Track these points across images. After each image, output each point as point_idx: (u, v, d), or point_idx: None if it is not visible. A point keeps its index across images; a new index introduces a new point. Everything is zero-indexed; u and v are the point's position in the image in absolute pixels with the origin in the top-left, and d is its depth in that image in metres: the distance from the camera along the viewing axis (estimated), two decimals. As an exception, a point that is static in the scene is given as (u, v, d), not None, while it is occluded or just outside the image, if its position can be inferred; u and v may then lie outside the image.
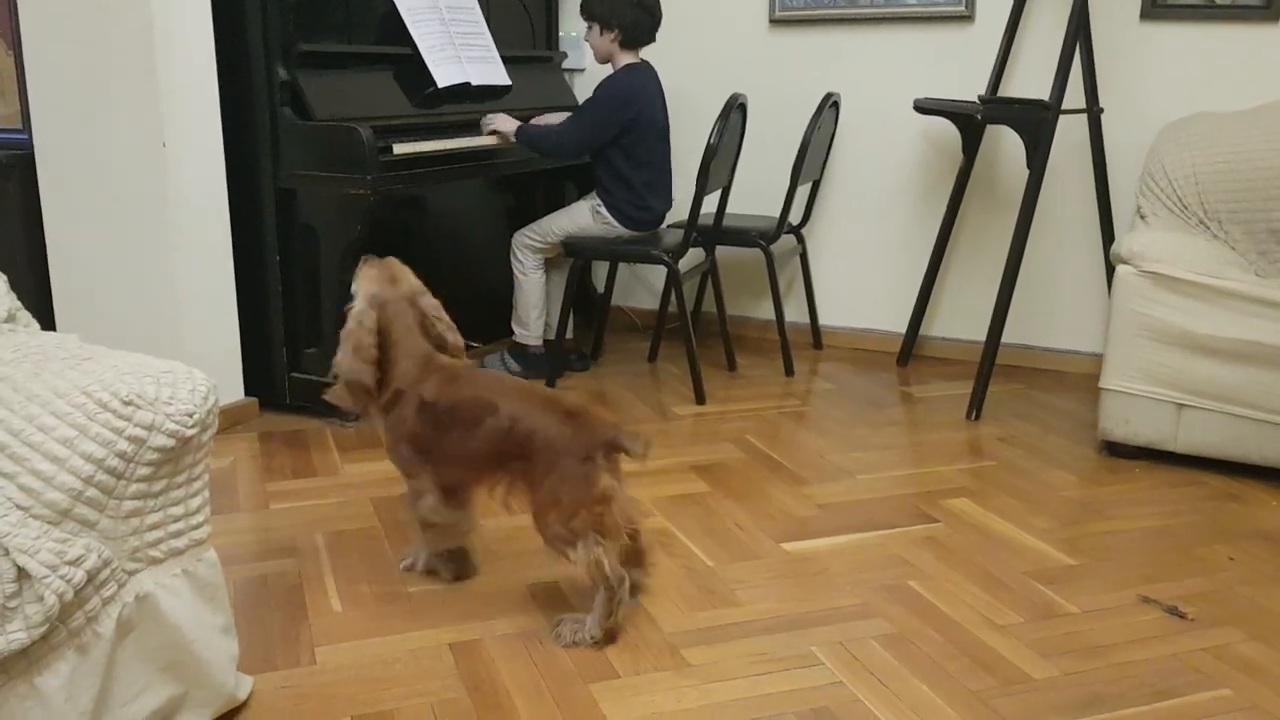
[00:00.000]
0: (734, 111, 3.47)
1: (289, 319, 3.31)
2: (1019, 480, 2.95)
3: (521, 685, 1.95)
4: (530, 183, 4.22)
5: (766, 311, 4.25)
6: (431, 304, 2.34)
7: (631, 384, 3.76)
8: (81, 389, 1.62)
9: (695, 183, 3.41)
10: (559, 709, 1.88)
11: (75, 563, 1.55)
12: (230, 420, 3.26)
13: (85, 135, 3.09)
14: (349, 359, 2.17)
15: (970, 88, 3.86)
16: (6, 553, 1.48)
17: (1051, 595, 2.31)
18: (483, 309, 4.01)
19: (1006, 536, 2.60)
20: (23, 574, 1.49)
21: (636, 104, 3.52)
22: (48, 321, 3.27)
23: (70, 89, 3.07)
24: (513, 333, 3.79)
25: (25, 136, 3.25)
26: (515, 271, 3.73)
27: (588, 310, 4.39)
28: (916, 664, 2.03)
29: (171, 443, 1.64)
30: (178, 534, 1.73)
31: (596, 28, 3.57)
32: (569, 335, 3.89)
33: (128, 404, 1.61)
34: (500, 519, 2.64)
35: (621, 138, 3.51)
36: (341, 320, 2.30)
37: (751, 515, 2.69)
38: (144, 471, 1.63)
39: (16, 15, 3.12)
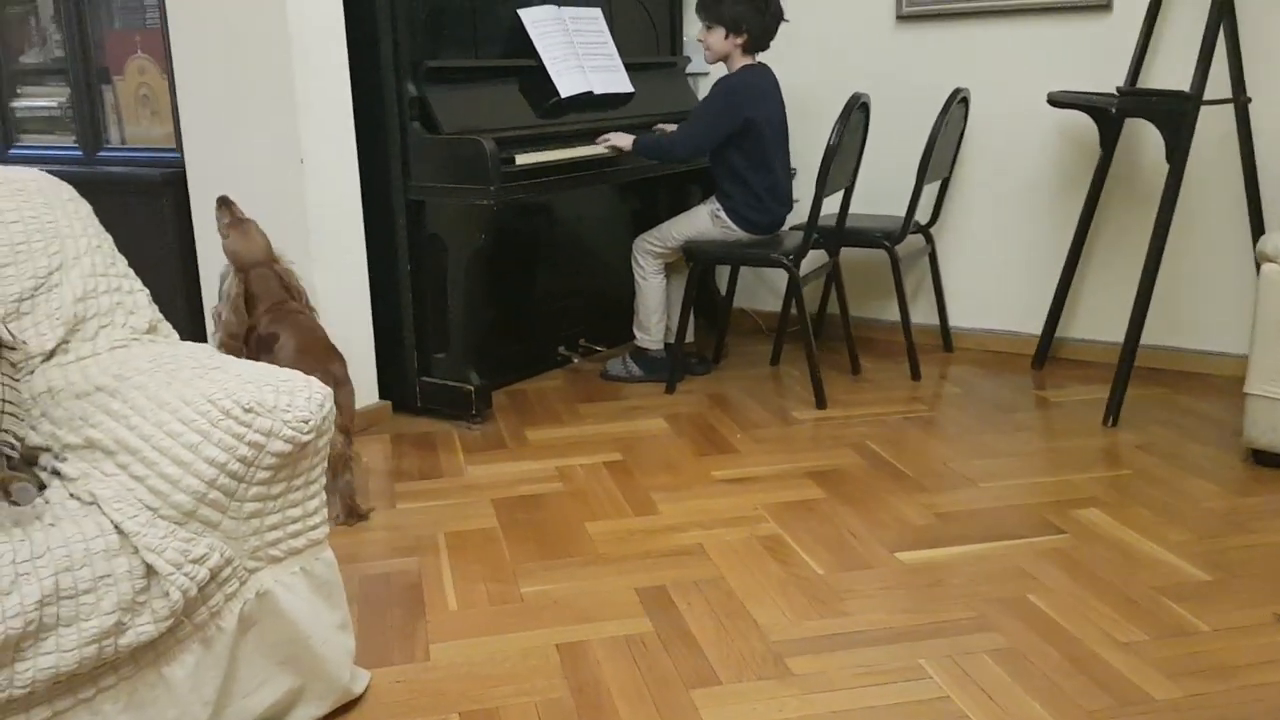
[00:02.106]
0: (855, 111, 3.43)
1: (419, 326, 3.43)
2: (1156, 490, 2.83)
3: (624, 688, 1.98)
4: (652, 188, 4.25)
5: (894, 313, 4.17)
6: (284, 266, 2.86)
7: (752, 388, 3.75)
8: (207, 397, 1.73)
9: (815, 184, 3.38)
10: (659, 713, 1.91)
11: (199, 561, 1.65)
12: (365, 423, 3.39)
13: (230, 153, 3.27)
14: (228, 314, 2.77)
15: (1107, 80, 3.71)
16: (136, 551, 1.59)
17: (1181, 612, 2.21)
18: (606, 313, 4.06)
19: (1138, 549, 2.50)
20: (150, 571, 1.60)
21: (753, 104, 3.51)
22: (198, 329, 3.48)
23: (215, 109, 3.26)
24: (634, 337, 3.83)
25: (179, 155, 3.45)
26: (636, 276, 3.77)
27: (711, 314, 4.39)
28: (1029, 680, 1.98)
29: (289, 448, 1.73)
30: (296, 534, 1.82)
31: (721, 30, 3.56)
32: (690, 339, 3.90)
33: (248, 411, 1.71)
34: (612, 522, 2.68)
35: (739, 139, 3.51)
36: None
37: (866, 523, 2.66)
38: (263, 475, 1.72)
39: (169, 41, 3.32)
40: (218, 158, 3.31)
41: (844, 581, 2.37)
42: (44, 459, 1.74)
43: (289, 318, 2.69)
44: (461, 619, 2.25)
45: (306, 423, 1.75)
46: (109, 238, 2.19)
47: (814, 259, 3.81)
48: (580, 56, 3.77)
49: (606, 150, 3.60)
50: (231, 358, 1.96)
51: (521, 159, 3.31)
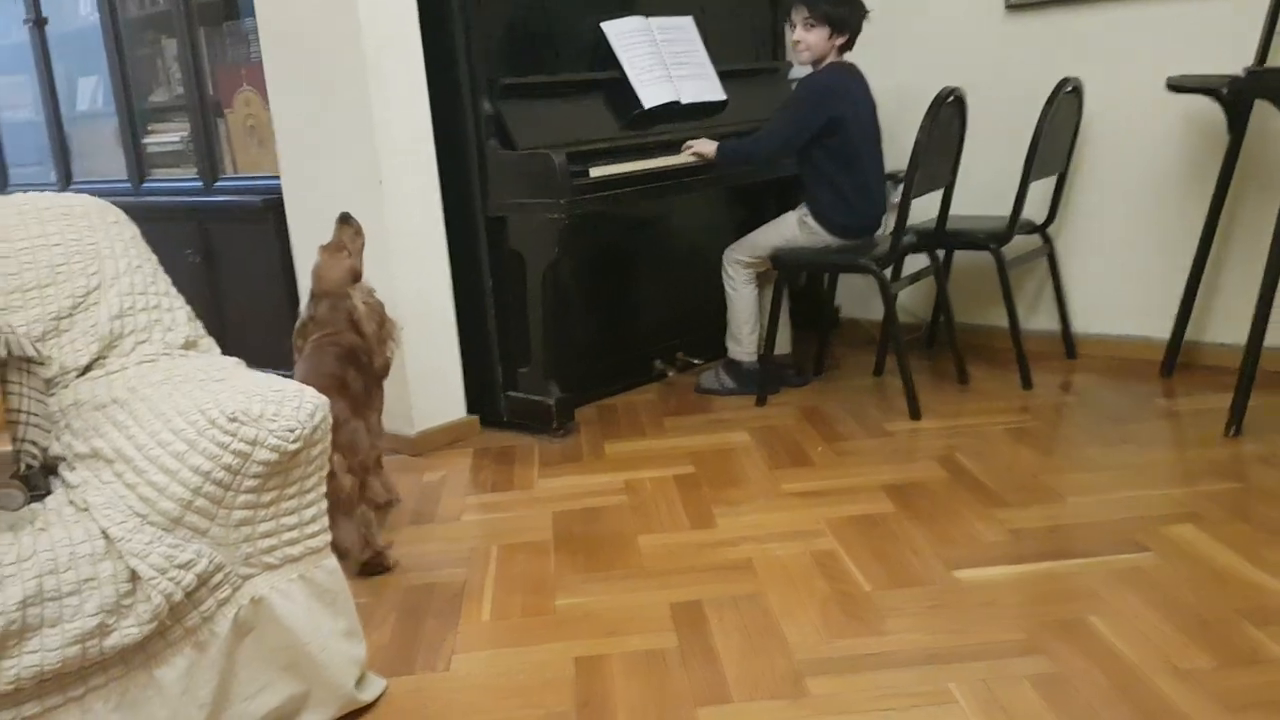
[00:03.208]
0: (944, 106, 3.27)
1: (503, 341, 3.47)
2: (1266, 507, 2.56)
3: (631, 705, 1.92)
4: (742, 197, 4.17)
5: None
6: (362, 299, 2.69)
7: (849, 399, 3.61)
8: (198, 407, 1.78)
9: (903, 185, 3.24)
10: (659, 732, 1.84)
11: (185, 566, 1.69)
12: (452, 437, 3.45)
13: (317, 177, 3.39)
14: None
15: (1233, 61, 3.41)
16: (120, 556, 1.65)
17: (1261, 638, 1.98)
18: (703, 325, 4.00)
19: (1228, 569, 2.26)
20: (135, 575, 1.65)
21: (839, 102, 3.39)
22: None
23: (305, 135, 3.39)
24: (727, 349, 3.76)
25: (279, 182, 3.61)
26: (726, 288, 3.70)
27: (821, 323, 4.26)
28: (1066, 709, 1.81)
29: (274, 457, 1.76)
30: (292, 542, 1.85)
31: (825, 29, 3.45)
32: (787, 350, 3.80)
33: (233, 420, 1.75)
34: (665, 535, 2.62)
35: (826, 138, 3.39)
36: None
37: (931, 539, 2.51)
38: (251, 483, 1.76)
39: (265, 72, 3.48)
40: (308, 183, 3.44)
41: (889, 599, 2.24)
42: (61, 467, 1.84)
43: (317, 351, 2.60)
44: (490, 630, 2.24)
45: (292, 432, 1.78)
46: (153, 259, 2.29)
47: (915, 264, 3.66)
48: (668, 66, 3.74)
49: (690, 159, 3.55)
50: (243, 371, 2.01)
51: (596, 172, 3.30)
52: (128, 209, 4.18)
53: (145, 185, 4.26)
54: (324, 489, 1.91)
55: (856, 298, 4.43)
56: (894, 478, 2.89)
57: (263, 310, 3.81)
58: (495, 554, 2.61)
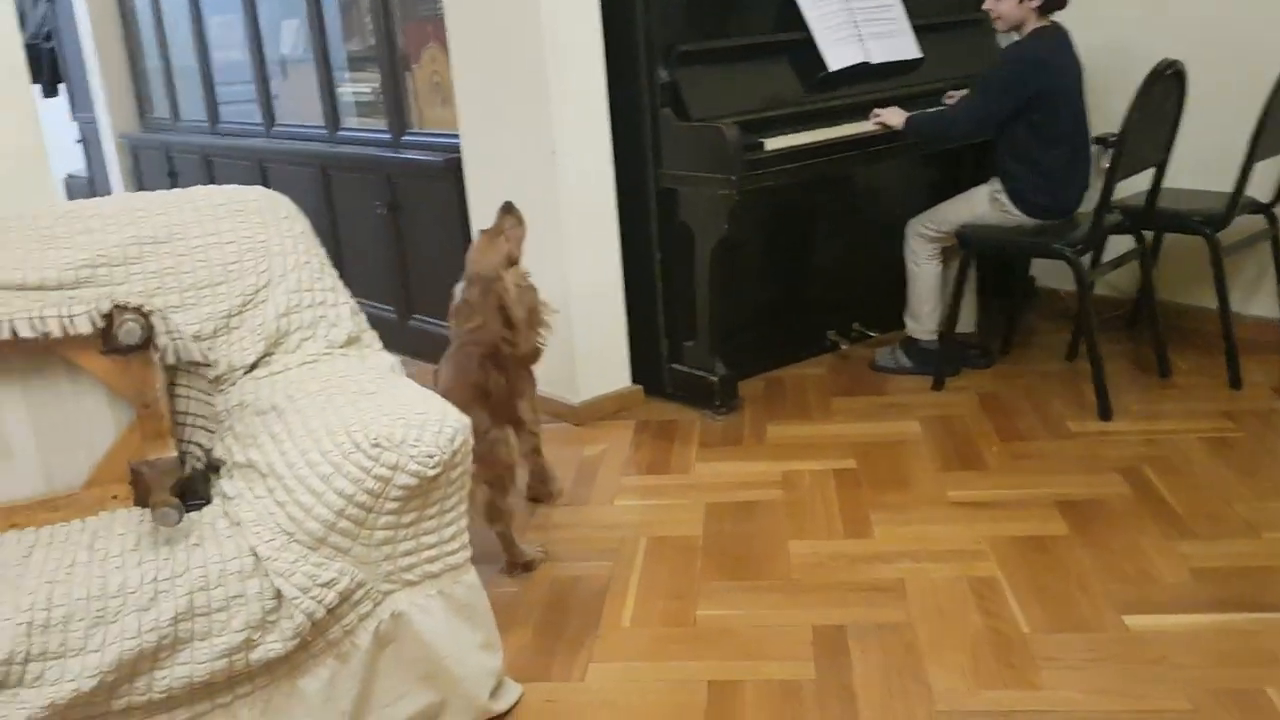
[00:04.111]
0: (1160, 81, 2.97)
1: (669, 313, 3.42)
2: None
3: (759, 743, 1.90)
4: (936, 159, 3.93)
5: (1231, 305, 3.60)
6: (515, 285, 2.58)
7: (1034, 387, 3.40)
8: (345, 428, 1.82)
9: (1108, 167, 2.98)
10: (784, 779, 1.80)
11: (328, 585, 1.75)
12: (616, 406, 3.45)
13: (493, 141, 3.40)
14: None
15: None
16: (267, 575, 1.72)
17: None
18: (885, 296, 3.83)
19: None
20: (280, 594, 1.72)
21: (1046, 74, 3.13)
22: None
23: (483, 97, 3.40)
24: (906, 326, 3.60)
25: (458, 141, 3.64)
26: (908, 262, 3.52)
27: (1012, 295, 4.01)
28: (1229, 806, 1.67)
29: (414, 482, 1.79)
30: (432, 559, 1.88)
31: None
32: (972, 329, 3.60)
33: (375, 446, 1.78)
34: (818, 543, 2.55)
35: (1028, 113, 3.14)
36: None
37: (1102, 573, 2.34)
38: (392, 506, 1.79)
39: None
40: (485, 147, 3.46)
41: (1049, 645, 2.11)
42: (222, 472, 1.92)
43: (460, 354, 2.54)
44: (630, 638, 2.25)
45: (431, 458, 1.79)
46: (321, 253, 2.34)
47: (1120, 245, 3.38)
48: (858, 24, 3.54)
49: (876, 127, 3.36)
50: (394, 381, 2.04)
51: (772, 144, 3.17)
52: (322, 157, 4.34)
53: (339, 133, 4.38)
54: (465, 509, 1.93)
55: (1055, 266, 4.14)
56: (1071, 491, 2.71)
57: (441, 266, 3.88)
58: (643, 547, 2.60)
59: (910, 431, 3.14)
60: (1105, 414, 3.14)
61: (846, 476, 2.89)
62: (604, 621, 2.31)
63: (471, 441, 1.90)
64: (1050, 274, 4.17)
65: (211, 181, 5.18)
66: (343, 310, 2.30)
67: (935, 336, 3.52)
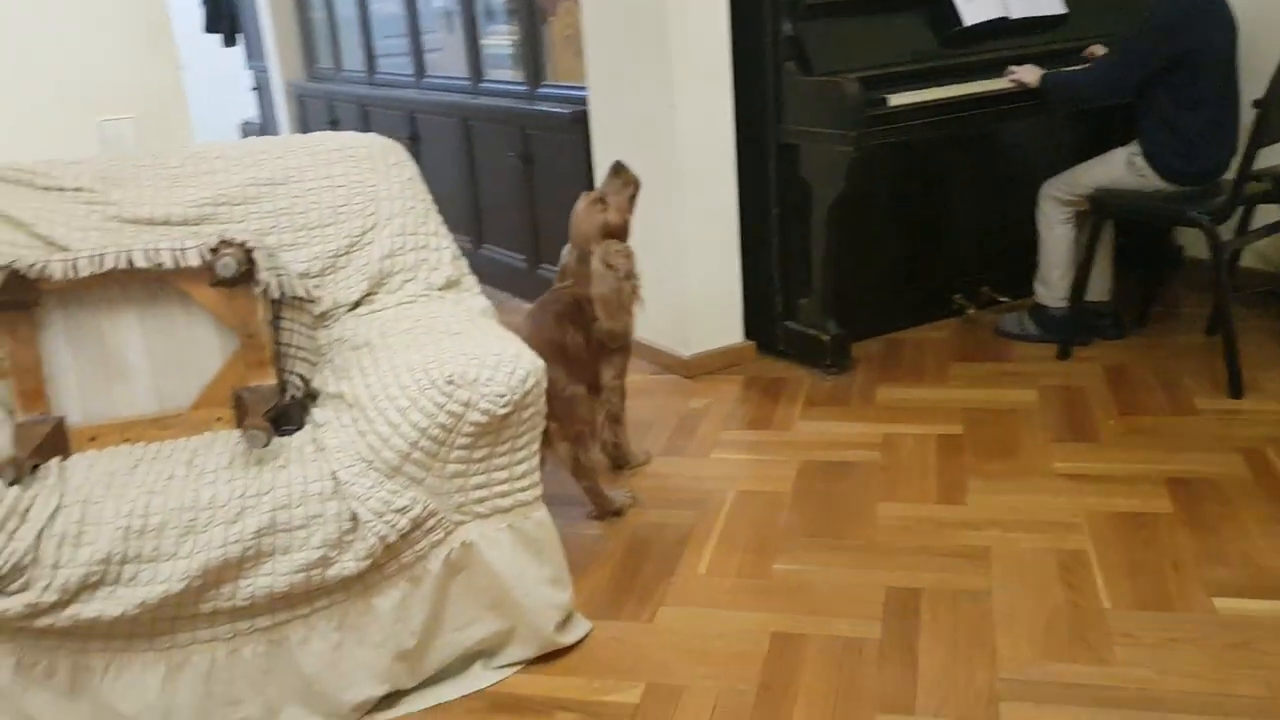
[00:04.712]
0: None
1: (784, 270, 3.41)
2: None
3: (811, 695, 1.91)
4: (1076, 120, 3.76)
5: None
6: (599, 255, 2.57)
7: (1165, 361, 3.25)
8: (423, 365, 1.91)
9: (1249, 135, 2.81)
10: (831, 732, 1.82)
11: (401, 511, 1.85)
12: (727, 361, 3.47)
13: (617, 95, 3.45)
14: None
15: None
16: (344, 498, 1.83)
17: None
18: (1011, 259, 3.70)
19: None
20: (356, 517, 1.83)
21: (1194, 32, 2.95)
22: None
23: (610, 52, 3.44)
24: (1035, 293, 3.48)
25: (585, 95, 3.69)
26: (1040, 225, 3.40)
27: (1154, 265, 3.82)
28: (1290, 800, 1.60)
29: (485, 419, 1.87)
30: (503, 494, 1.97)
31: None
32: (1106, 297, 3.45)
33: (449, 383, 1.87)
34: (908, 506, 2.53)
35: (1168, 74, 2.98)
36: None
37: (1200, 554, 2.25)
38: (464, 441, 1.88)
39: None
40: (608, 98, 3.50)
41: (1128, 622, 2.05)
42: (318, 401, 2.05)
43: (540, 307, 2.61)
44: (703, 585, 2.29)
45: (502, 398, 1.87)
46: (427, 199, 2.44)
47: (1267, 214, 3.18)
48: (998, -23, 3.41)
49: (1009, 85, 3.25)
50: (481, 324, 2.13)
51: (896, 100, 3.10)
52: (464, 108, 4.47)
53: (481, 85, 4.50)
54: (536, 448, 2.00)
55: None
56: (1185, 469, 2.60)
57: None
58: (730, 500, 2.63)
59: (1026, 400, 3.05)
60: (1236, 391, 2.97)
61: (950, 442, 2.84)
62: (680, 568, 2.36)
63: (544, 384, 1.96)
64: (1199, 244, 3.94)
65: (368, 130, 5.45)
66: (444, 255, 2.39)
67: (1064, 304, 3.39)
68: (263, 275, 1.93)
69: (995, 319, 3.63)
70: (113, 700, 1.76)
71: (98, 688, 1.75)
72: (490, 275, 4.64)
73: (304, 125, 6.37)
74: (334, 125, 5.85)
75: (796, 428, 3.00)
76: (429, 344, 2.00)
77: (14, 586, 1.64)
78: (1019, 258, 3.61)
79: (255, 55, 6.91)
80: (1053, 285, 3.41)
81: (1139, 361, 3.26)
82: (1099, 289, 3.41)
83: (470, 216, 4.66)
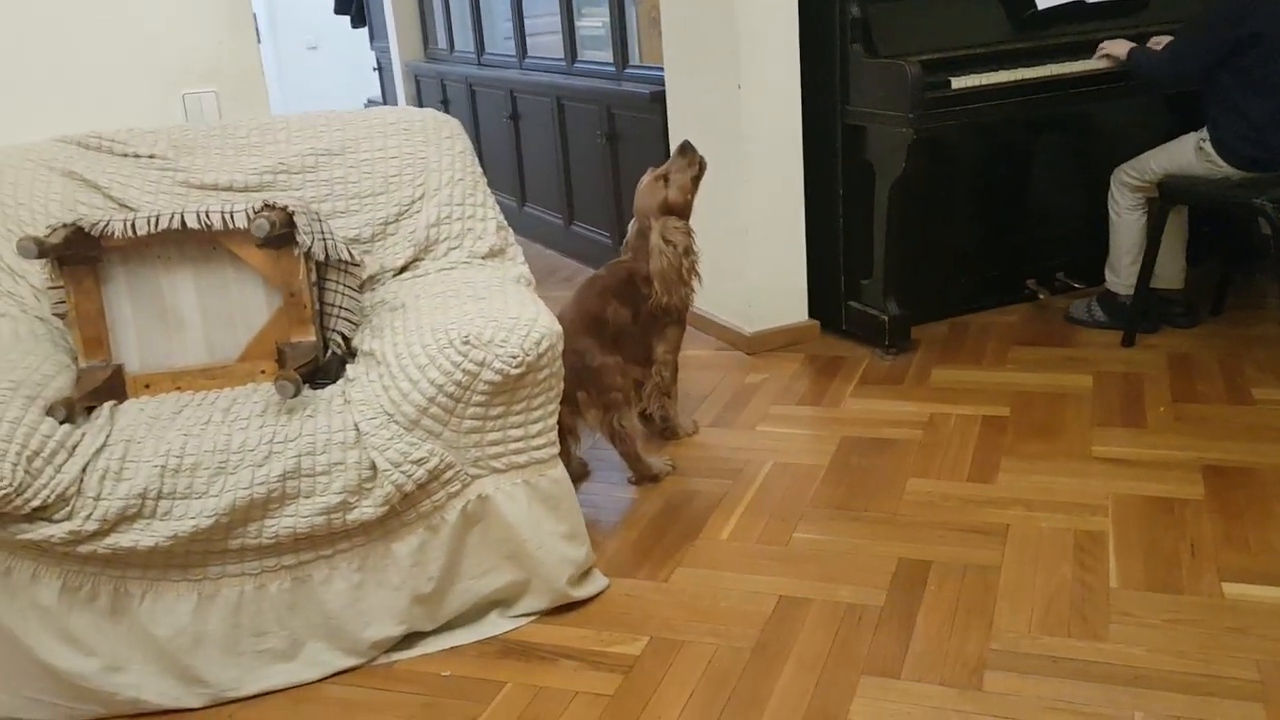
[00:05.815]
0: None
1: (848, 250, 3.44)
2: None
3: (803, 656, 1.98)
4: (1152, 110, 3.67)
5: None
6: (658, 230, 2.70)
7: (1234, 351, 3.16)
8: (444, 326, 2.04)
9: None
10: (813, 689, 1.89)
11: (418, 462, 1.99)
12: (790, 339, 3.52)
13: (689, 75, 3.52)
14: None
15: None
16: (365, 448, 1.98)
17: None
18: (1087, 245, 3.64)
19: None
20: (375, 465, 1.98)
21: (1257, 19, 2.87)
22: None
23: (682, 32, 3.52)
24: (1105, 279, 3.42)
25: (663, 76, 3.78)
26: (1110, 211, 3.34)
27: (1230, 253, 3.69)
28: (1256, 781, 1.61)
29: (499, 378, 1.99)
30: (518, 451, 2.08)
31: None
32: (1178, 285, 3.37)
33: (465, 343, 1.99)
34: (937, 483, 2.56)
35: (1236, 59, 2.90)
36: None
37: (1220, 540, 2.22)
38: (479, 398, 2.01)
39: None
40: (682, 79, 3.58)
41: (1130, 602, 2.05)
42: (356, 357, 2.20)
43: (591, 280, 2.73)
44: (721, 549, 2.37)
45: (515, 359, 1.99)
46: (477, 171, 2.57)
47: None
48: (1077, -43, 3.35)
49: (1102, 63, 3.21)
50: (510, 290, 2.24)
51: (960, 83, 3.10)
52: (558, 88, 4.61)
53: (575, 65, 4.63)
54: (554, 409, 2.11)
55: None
56: (1224, 457, 2.56)
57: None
58: (766, 471, 2.70)
59: (1079, 385, 3.02)
60: (1301, 384, 2.89)
61: (994, 423, 2.84)
62: (704, 533, 2.44)
63: (559, 347, 2.07)
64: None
65: (474, 110, 5.65)
66: (489, 225, 2.52)
67: (1133, 291, 3.33)
68: (302, 237, 2.08)
69: (1068, 305, 3.58)
70: (149, 624, 1.94)
71: (136, 612, 1.94)
72: (578, 252, 4.79)
73: (419, 104, 6.62)
74: (445, 105, 6.07)
75: (845, 405, 3.05)
76: (454, 306, 2.13)
77: (59, 515, 1.83)
78: (1095, 243, 3.55)
79: (378, 36, 7.20)
80: (1122, 272, 3.36)
81: (1204, 351, 3.19)
82: (1170, 277, 3.34)
83: (561, 194, 4.80)
